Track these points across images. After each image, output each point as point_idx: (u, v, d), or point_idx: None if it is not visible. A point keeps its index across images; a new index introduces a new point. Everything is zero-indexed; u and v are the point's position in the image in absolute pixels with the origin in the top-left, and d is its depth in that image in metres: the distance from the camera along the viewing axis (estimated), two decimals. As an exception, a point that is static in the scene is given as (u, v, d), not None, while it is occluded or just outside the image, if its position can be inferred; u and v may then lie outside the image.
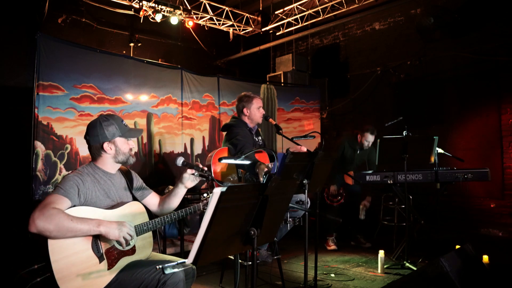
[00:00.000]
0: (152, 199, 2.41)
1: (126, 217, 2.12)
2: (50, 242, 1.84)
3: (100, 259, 1.97)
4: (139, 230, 2.12)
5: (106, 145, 2.15)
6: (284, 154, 2.61)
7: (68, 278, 1.86)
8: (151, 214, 2.30)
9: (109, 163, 2.20)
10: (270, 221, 1.79)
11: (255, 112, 3.56)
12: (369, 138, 4.90)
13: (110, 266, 2.00)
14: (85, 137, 2.20)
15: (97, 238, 1.98)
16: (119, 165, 2.26)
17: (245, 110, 3.58)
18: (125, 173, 2.33)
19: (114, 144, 2.17)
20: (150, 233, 2.21)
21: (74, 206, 1.97)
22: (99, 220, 1.93)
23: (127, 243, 2.00)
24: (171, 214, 2.21)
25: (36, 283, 1.94)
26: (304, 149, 3.15)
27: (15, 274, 2.10)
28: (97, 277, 1.95)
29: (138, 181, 2.38)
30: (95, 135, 2.15)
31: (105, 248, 2.00)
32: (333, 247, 4.89)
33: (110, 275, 1.99)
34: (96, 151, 2.18)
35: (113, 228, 1.93)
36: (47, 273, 1.84)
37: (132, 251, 2.11)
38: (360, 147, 4.99)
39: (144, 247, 2.19)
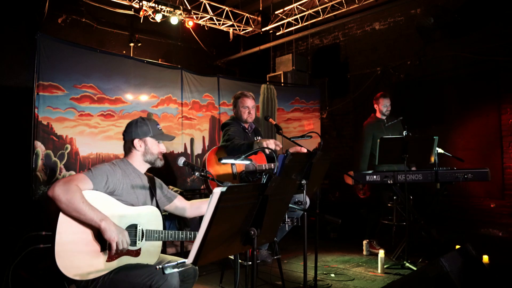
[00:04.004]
0: (180, 203, 2.48)
1: (140, 217, 2.15)
2: (61, 214, 1.92)
3: (102, 248, 2.00)
4: (149, 235, 2.14)
5: (136, 142, 2.27)
6: (284, 155, 2.62)
7: (65, 253, 1.89)
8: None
9: (138, 161, 2.30)
10: (270, 221, 1.78)
11: (240, 111, 3.65)
12: (385, 102, 4.81)
13: (110, 259, 2.02)
14: (122, 134, 2.34)
15: None
16: (147, 166, 2.34)
17: (234, 110, 3.71)
18: (150, 179, 2.39)
19: (145, 143, 2.28)
20: (160, 243, 2.21)
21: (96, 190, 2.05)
22: (105, 216, 1.97)
23: (117, 251, 1.98)
24: (187, 233, 2.19)
25: (37, 249, 1.98)
26: (304, 150, 3.15)
27: (17, 273, 2.11)
28: (93, 264, 1.96)
29: (162, 186, 2.45)
30: (130, 132, 2.29)
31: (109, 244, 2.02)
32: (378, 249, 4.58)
33: (106, 269, 1.99)
34: (128, 146, 2.30)
35: (112, 230, 1.95)
36: (49, 243, 1.90)
37: (136, 253, 2.11)
38: (384, 117, 4.86)
39: (150, 254, 2.17)
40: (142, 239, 2.12)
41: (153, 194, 2.34)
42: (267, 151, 3.20)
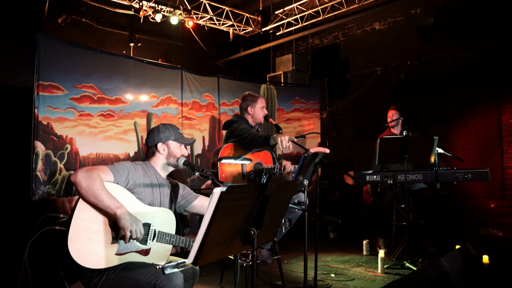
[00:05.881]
0: (201, 202, 2.49)
1: (155, 218, 2.16)
2: (81, 201, 2.00)
3: (114, 240, 2.03)
4: (160, 237, 2.15)
5: (160, 145, 2.34)
6: (304, 156, 2.62)
7: (78, 238, 1.93)
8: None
9: (160, 164, 2.35)
10: (270, 221, 1.79)
11: (258, 111, 3.60)
12: (389, 113, 4.85)
13: (119, 253, 2.03)
14: (145, 141, 2.42)
15: None
16: (169, 169, 2.38)
17: (249, 108, 3.61)
18: (173, 185, 2.42)
19: (167, 146, 2.34)
20: (170, 246, 2.22)
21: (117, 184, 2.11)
22: (122, 205, 2.01)
23: (129, 240, 2.00)
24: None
25: (51, 230, 2.06)
26: (327, 151, 3.11)
27: (16, 274, 2.12)
28: (101, 254, 1.98)
29: (184, 190, 2.47)
30: (152, 137, 2.36)
31: (122, 235, 2.04)
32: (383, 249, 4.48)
33: (113, 261, 2.01)
34: (151, 151, 2.37)
35: (126, 218, 1.98)
36: (64, 227, 1.96)
37: (146, 252, 2.12)
38: (395, 126, 4.85)
39: (159, 255, 2.18)
40: (153, 239, 2.14)
41: (172, 200, 2.37)
42: (282, 147, 3.05)
